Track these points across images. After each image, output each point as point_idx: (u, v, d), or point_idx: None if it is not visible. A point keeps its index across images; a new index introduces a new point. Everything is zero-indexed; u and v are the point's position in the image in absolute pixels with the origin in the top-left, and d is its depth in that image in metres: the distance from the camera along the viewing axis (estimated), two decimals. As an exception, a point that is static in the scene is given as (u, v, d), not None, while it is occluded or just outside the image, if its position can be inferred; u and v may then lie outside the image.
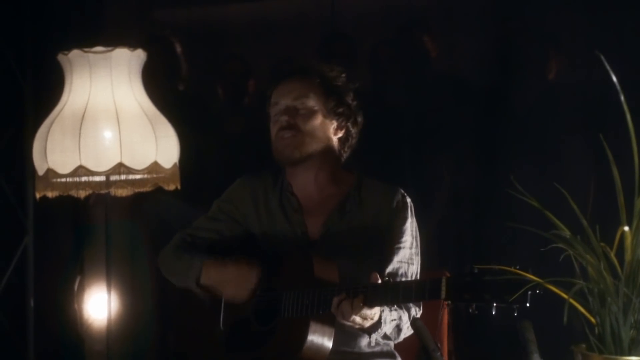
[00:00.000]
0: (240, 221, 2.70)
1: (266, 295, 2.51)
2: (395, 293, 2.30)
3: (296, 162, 2.60)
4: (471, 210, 3.93)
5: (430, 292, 2.24)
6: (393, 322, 2.47)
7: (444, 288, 2.19)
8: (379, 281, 2.34)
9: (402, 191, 2.65)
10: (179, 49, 4.23)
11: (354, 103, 2.66)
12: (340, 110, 2.62)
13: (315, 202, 2.64)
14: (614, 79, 2.19)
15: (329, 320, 2.41)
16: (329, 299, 2.36)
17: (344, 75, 2.66)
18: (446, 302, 2.20)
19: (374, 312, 2.36)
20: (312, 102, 2.60)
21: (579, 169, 3.37)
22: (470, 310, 2.15)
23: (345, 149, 2.67)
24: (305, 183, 2.65)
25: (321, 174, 2.64)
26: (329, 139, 2.62)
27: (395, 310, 2.48)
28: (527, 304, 2.13)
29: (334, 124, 2.63)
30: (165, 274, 2.72)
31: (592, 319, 2.29)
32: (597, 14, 3.51)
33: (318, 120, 2.60)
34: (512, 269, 2.15)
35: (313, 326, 2.39)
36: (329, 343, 2.41)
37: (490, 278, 2.13)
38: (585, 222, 2.27)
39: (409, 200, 2.64)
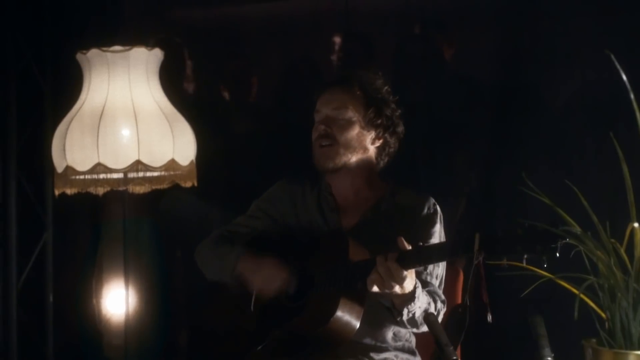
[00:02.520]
0: (277, 219, 2.79)
1: (300, 275, 2.59)
2: (429, 252, 2.37)
3: (331, 171, 2.69)
4: (486, 207, 3.94)
5: (464, 248, 2.28)
6: (423, 305, 2.50)
7: (477, 242, 2.23)
8: (406, 245, 2.37)
9: (434, 200, 2.72)
10: (192, 49, 4.26)
11: (395, 114, 2.73)
12: (379, 121, 2.70)
13: (351, 203, 2.73)
14: (624, 78, 2.21)
15: (359, 298, 2.46)
16: (360, 275, 2.40)
17: (386, 87, 2.73)
18: (479, 258, 2.22)
19: (405, 274, 2.36)
20: (351, 113, 2.67)
21: (590, 167, 3.38)
22: (503, 263, 2.18)
23: (383, 157, 2.75)
24: (343, 186, 2.74)
25: (357, 179, 2.73)
26: (365, 149, 2.70)
27: (426, 295, 2.51)
28: (557, 254, 2.14)
29: (372, 134, 2.70)
30: (200, 264, 2.81)
31: (603, 314, 2.32)
32: (609, 14, 3.52)
33: (355, 130, 2.67)
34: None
35: (343, 301, 2.44)
36: (356, 322, 2.46)
37: (522, 232, 2.17)
38: (595, 219, 2.30)
39: (438, 208, 2.71)
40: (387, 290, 2.39)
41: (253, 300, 2.65)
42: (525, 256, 2.16)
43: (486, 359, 3.43)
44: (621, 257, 2.28)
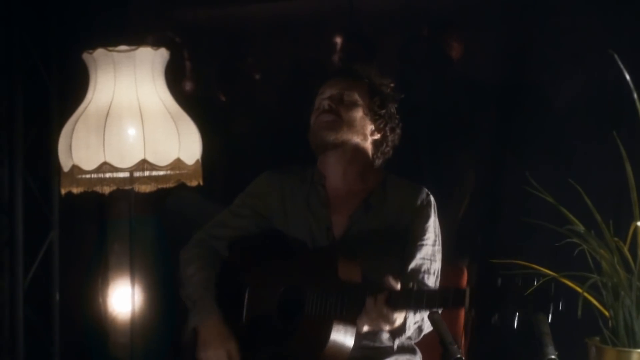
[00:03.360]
0: (265, 215, 2.72)
1: (290, 293, 2.55)
2: (419, 299, 2.33)
3: (329, 146, 2.63)
4: (489, 206, 3.95)
5: (454, 301, 2.27)
6: (416, 324, 2.51)
7: (467, 297, 2.22)
8: (393, 283, 2.36)
9: (427, 190, 2.68)
10: (197, 49, 4.28)
11: (396, 116, 2.70)
12: (382, 112, 2.66)
13: (342, 198, 2.67)
14: (628, 77, 2.22)
15: (351, 319, 2.44)
16: (353, 301, 2.39)
17: (392, 85, 2.72)
18: (470, 312, 2.22)
19: (396, 316, 2.38)
20: (357, 97, 2.64)
21: (593, 166, 3.39)
22: (493, 321, 2.17)
23: (379, 154, 2.69)
24: (334, 176, 2.68)
25: (350, 168, 2.66)
26: (365, 136, 2.66)
27: (419, 312, 2.50)
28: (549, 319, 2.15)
29: (373, 125, 2.66)
30: (181, 273, 2.79)
31: (606, 312, 2.33)
32: (613, 13, 3.53)
33: (359, 113, 2.64)
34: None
35: (336, 326, 2.42)
36: (350, 342, 2.45)
37: (514, 290, 2.15)
38: (599, 218, 2.31)
39: (432, 199, 2.67)
40: (377, 329, 2.43)
41: (245, 313, 2.63)
42: (517, 314, 2.14)
43: (490, 356, 3.45)
44: (624, 255, 2.29)
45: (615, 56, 2.24)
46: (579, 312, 2.25)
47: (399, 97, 2.73)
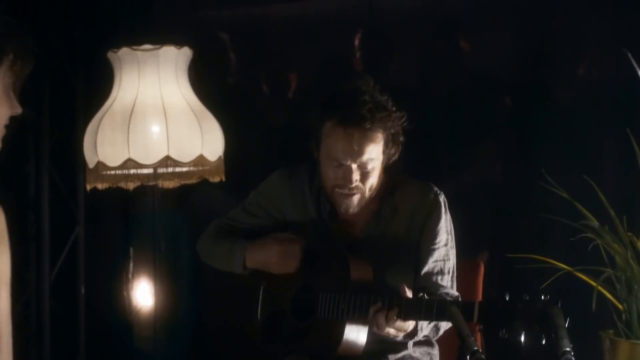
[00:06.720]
0: (279, 218, 2.72)
1: (303, 292, 2.58)
2: (430, 310, 2.33)
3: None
4: (505, 201, 3.97)
5: (463, 314, 2.24)
6: (430, 324, 2.52)
7: (476, 312, 2.23)
8: (408, 293, 2.38)
9: (435, 189, 2.63)
10: (225, 46, 4.33)
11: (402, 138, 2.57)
12: (393, 151, 2.55)
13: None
14: (641, 75, 2.26)
15: (363, 319, 2.46)
16: (365, 305, 2.42)
17: (403, 117, 2.52)
18: (477, 326, 2.25)
19: (408, 324, 2.41)
20: (376, 162, 2.51)
21: (607, 163, 3.40)
22: (500, 335, 2.19)
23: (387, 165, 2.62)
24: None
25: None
26: (380, 174, 2.58)
27: (429, 323, 2.51)
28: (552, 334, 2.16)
29: (385, 159, 2.56)
30: (205, 258, 2.78)
31: (620, 306, 2.36)
32: (626, 11, 3.54)
33: (378, 170, 2.55)
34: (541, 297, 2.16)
35: (348, 327, 2.46)
36: (362, 340, 2.49)
37: (522, 307, 2.15)
38: (613, 213, 2.34)
39: (441, 198, 2.62)
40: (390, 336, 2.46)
41: (259, 310, 2.66)
42: (524, 332, 2.13)
43: (506, 349, 3.47)
44: (638, 250, 2.32)
45: (629, 54, 2.27)
46: (594, 306, 2.28)
47: (407, 125, 2.54)
